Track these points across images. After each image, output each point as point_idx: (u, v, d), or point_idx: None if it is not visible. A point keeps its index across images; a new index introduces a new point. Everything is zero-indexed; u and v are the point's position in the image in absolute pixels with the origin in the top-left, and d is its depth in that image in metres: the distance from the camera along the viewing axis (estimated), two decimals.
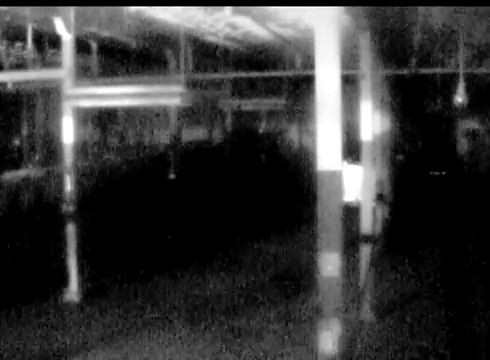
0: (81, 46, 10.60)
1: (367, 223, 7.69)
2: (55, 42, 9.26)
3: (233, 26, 10.12)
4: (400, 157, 18.50)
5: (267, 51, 13.23)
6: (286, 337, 7.10)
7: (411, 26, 9.29)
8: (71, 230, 8.49)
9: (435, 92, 16.27)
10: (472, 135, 20.67)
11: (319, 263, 4.13)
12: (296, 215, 14.07)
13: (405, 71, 13.05)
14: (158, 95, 7.09)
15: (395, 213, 12.52)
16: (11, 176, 10.63)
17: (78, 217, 8.43)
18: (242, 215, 14.55)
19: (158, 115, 15.98)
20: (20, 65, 10.84)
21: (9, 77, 9.49)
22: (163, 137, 16.21)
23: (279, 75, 14.84)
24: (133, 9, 8.47)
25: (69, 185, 8.39)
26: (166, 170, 14.05)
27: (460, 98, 9.24)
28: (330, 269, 4.10)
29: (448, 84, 12.77)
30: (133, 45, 12.02)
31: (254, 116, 20.50)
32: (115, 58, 13.43)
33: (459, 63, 9.66)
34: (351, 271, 7.33)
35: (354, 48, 7.50)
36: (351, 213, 7.60)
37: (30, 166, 11.54)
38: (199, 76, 13.85)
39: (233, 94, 17.37)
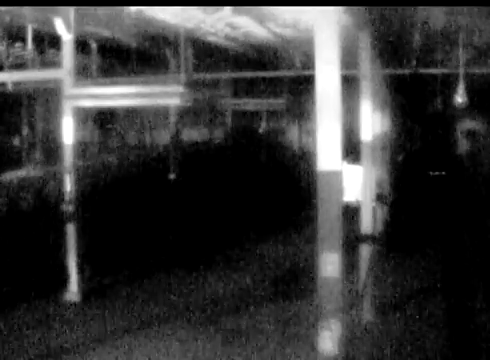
0: (81, 46, 10.60)
1: (367, 223, 7.69)
2: (55, 42, 9.26)
3: (233, 26, 10.12)
4: (400, 157, 18.49)
5: (267, 51, 13.22)
6: (286, 337, 7.09)
7: (411, 26, 9.29)
8: (71, 230, 8.49)
9: (435, 92, 16.27)
10: (472, 135, 20.67)
11: (319, 263, 4.13)
12: (296, 215, 14.06)
13: (405, 71, 13.05)
14: (158, 95, 7.10)
15: (395, 213, 12.51)
16: (11, 176, 10.63)
17: (78, 217, 8.43)
18: (242, 215, 14.55)
19: (158, 115, 15.98)
20: (20, 65, 10.83)
21: (9, 77, 9.49)
22: (163, 137, 16.21)
23: (279, 75, 14.84)
24: (133, 9, 8.47)
25: (69, 185, 8.38)
26: (166, 170, 14.04)
27: (460, 98, 9.24)
28: (330, 269, 4.10)
29: (448, 84, 12.77)
30: (133, 45, 12.02)
31: (254, 116, 20.50)
32: (115, 58, 13.42)
33: (459, 63, 9.66)
34: (351, 271, 7.33)
35: (354, 48, 7.50)
36: (351, 213, 7.60)
37: (30, 166, 11.53)
38: (199, 76, 13.85)
39: (233, 94, 17.37)
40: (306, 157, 18.69)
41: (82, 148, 10.41)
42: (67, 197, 8.39)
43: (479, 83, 14.74)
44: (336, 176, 4.13)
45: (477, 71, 12.70)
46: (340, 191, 4.30)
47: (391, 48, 11.41)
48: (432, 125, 21.09)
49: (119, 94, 7.26)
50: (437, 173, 20.38)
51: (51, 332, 7.27)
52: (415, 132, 21.57)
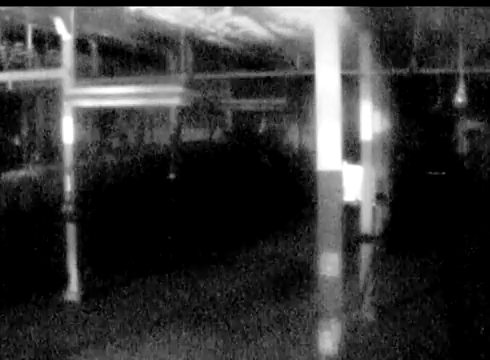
0: (81, 46, 10.60)
1: (367, 223, 7.70)
2: (55, 42, 9.26)
3: (233, 26, 10.11)
4: (400, 157, 18.47)
5: (267, 51, 13.21)
6: (286, 337, 7.09)
7: (411, 26, 9.28)
8: (71, 230, 8.49)
9: (435, 92, 16.26)
10: (472, 135, 20.65)
11: (319, 263, 4.13)
12: (296, 215, 14.06)
13: (405, 71, 13.03)
14: (158, 95, 7.10)
15: (395, 213, 12.50)
16: (11, 176, 10.63)
17: (78, 217, 8.43)
18: (242, 215, 14.55)
19: (158, 115, 15.96)
20: (20, 65, 10.82)
21: (9, 77, 9.48)
22: (163, 137, 16.19)
23: (279, 75, 14.83)
24: (133, 9, 8.47)
25: (69, 185, 8.39)
26: (166, 170, 14.03)
27: (460, 98, 9.23)
28: (330, 269, 4.11)
29: (448, 84, 12.77)
30: (133, 45, 12.01)
31: (254, 116, 20.48)
32: (115, 58, 13.41)
33: (459, 63, 9.64)
34: (351, 271, 7.33)
35: (354, 48, 7.50)
36: (351, 213, 7.61)
37: (30, 166, 11.53)
38: (199, 76, 13.83)
39: (233, 94, 17.36)
40: (306, 157, 18.68)
41: (82, 148, 10.41)
42: (67, 197, 8.39)
43: (479, 83, 14.74)
44: (336, 176, 4.14)
45: (477, 71, 12.68)
46: (340, 191, 4.30)
47: (391, 48, 11.40)
48: (432, 125, 21.07)
49: (119, 94, 7.27)
50: (437, 173, 20.36)
51: (48, 332, 7.29)
52: (415, 132, 21.54)
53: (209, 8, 8.50)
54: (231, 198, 15.75)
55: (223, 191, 15.96)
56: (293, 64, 13.72)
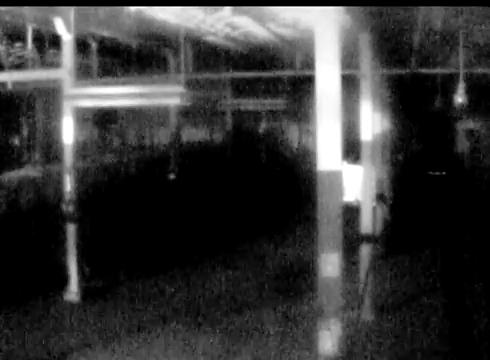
0: (81, 46, 10.60)
1: (367, 223, 7.70)
2: (55, 42, 9.26)
3: (233, 26, 10.11)
4: (400, 157, 18.47)
5: (267, 51, 13.20)
6: (286, 337, 7.09)
7: (411, 26, 9.28)
8: (71, 230, 8.49)
9: (435, 92, 16.26)
10: (472, 135, 20.64)
11: (319, 263, 4.13)
12: (296, 215, 14.06)
13: (405, 71, 13.03)
14: (158, 95, 7.10)
15: (395, 213, 12.51)
16: (11, 176, 10.63)
17: (78, 217, 8.43)
18: (242, 215, 14.54)
19: (158, 115, 15.96)
20: (20, 65, 10.82)
21: (9, 77, 9.48)
22: (163, 137, 16.19)
23: (279, 75, 14.83)
24: (133, 9, 8.46)
25: (69, 185, 8.39)
26: (166, 170, 14.03)
27: (460, 98, 9.23)
28: (330, 269, 4.11)
29: (448, 84, 12.76)
30: (133, 45, 12.01)
31: (254, 116, 20.48)
32: (115, 58, 13.41)
33: (459, 63, 9.65)
34: (351, 271, 7.33)
35: (354, 48, 7.50)
36: (351, 213, 7.61)
37: (30, 166, 11.53)
38: (199, 76, 13.84)
39: (233, 94, 17.36)
40: (306, 157, 18.69)
41: (82, 148, 10.42)
42: (67, 197, 8.39)
43: (479, 83, 14.72)
44: (336, 176, 4.14)
45: (477, 71, 12.68)
46: (340, 191, 4.30)
47: (391, 48, 11.40)
48: (432, 125, 21.06)
49: (119, 94, 7.27)
50: (437, 173, 20.37)
51: (52, 331, 7.29)
52: (415, 132, 21.54)
53: (209, 8, 8.49)
54: (231, 198, 15.75)
55: (223, 190, 15.95)
56: (293, 64, 13.72)
